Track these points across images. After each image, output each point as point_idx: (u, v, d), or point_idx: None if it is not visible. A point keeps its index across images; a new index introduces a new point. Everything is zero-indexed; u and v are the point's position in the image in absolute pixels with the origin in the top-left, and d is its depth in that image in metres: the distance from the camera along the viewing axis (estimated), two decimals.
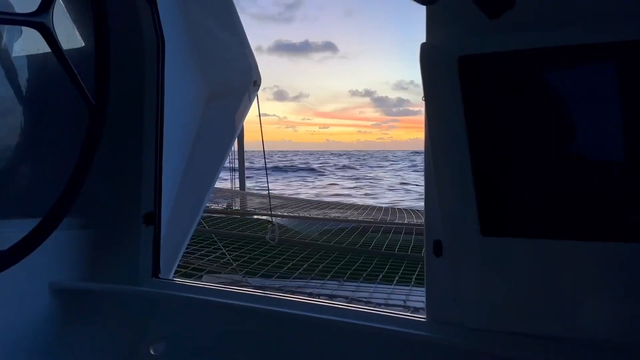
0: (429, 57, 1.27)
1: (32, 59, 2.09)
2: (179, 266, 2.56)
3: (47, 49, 2.03)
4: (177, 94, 2.23)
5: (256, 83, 2.71)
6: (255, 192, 16.32)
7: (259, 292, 1.93)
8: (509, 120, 1.27)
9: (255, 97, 2.78)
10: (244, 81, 2.68)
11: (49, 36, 1.34)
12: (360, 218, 9.09)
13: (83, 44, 2.07)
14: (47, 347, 1.92)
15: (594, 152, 1.22)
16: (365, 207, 12.29)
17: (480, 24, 1.26)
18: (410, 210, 10.98)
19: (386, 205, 14.97)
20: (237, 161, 13.50)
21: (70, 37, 2.06)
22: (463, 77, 1.23)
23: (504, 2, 1.09)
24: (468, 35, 1.28)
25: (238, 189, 13.78)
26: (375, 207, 12.70)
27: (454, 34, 1.31)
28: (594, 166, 1.22)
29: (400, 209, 11.81)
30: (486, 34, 1.25)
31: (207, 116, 2.54)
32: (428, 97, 1.31)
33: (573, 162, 1.23)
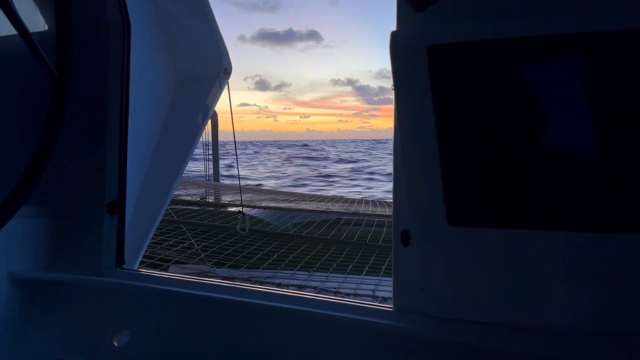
0: (398, 45, 1.26)
1: None
2: (144, 257, 2.52)
3: (7, 33, 1.98)
4: (143, 79, 2.18)
5: (227, 71, 2.68)
6: (228, 183, 16.21)
7: (225, 283, 1.91)
8: (477, 110, 1.27)
9: (226, 85, 2.75)
10: (214, 68, 2.64)
11: (7, 7, 1.28)
12: (333, 210, 9.10)
13: (46, 28, 2.01)
14: (6, 339, 1.87)
15: (561, 143, 1.23)
16: (338, 199, 12.33)
17: (450, 14, 1.26)
18: (384, 202, 11.06)
19: (359, 197, 15.05)
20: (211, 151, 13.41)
21: (33, 20, 1.99)
22: (432, 66, 1.23)
23: None
24: (438, 24, 1.27)
25: (212, 180, 13.68)
26: (349, 199, 12.74)
27: (424, 23, 1.30)
28: (560, 157, 1.23)
29: (373, 201, 11.89)
30: (456, 23, 1.25)
31: (175, 103, 2.50)
32: (397, 85, 1.30)
33: (540, 152, 1.24)
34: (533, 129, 1.24)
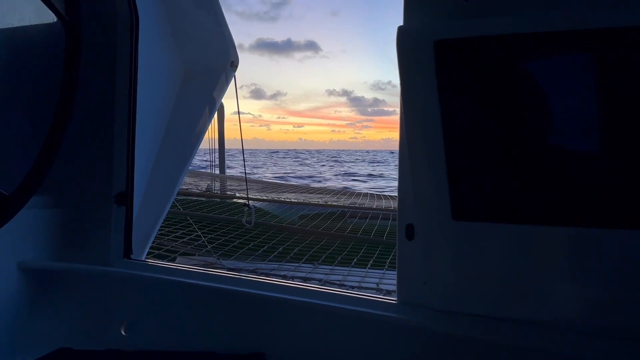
0: (405, 41, 1.26)
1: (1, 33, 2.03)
2: (152, 247, 2.54)
3: (17, 24, 1.99)
4: (151, 72, 2.19)
5: (234, 63, 2.68)
6: (234, 175, 16.23)
7: (231, 274, 1.93)
8: (482, 106, 1.27)
9: (233, 78, 2.76)
10: (221, 61, 2.65)
11: None
12: (339, 203, 9.11)
13: (54, 19, 2.02)
14: (15, 327, 1.90)
15: (566, 139, 1.23)
16: (344, 193, 12.33)
17: (457, 9, 1.27)
18: (389, 196, 11.05)
19: (365, 191, 15.06)
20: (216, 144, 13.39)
21: (42, 12, 2.01)
22: (438, 61, 1.23)
23: None
24: (444, 19, 1.28)
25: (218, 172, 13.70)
26: (354, 192, 12.74)
27: (431, 19, 1.31)
28: (565, 152, 1.23)
29: (379, 195, 11.88)
30: (462, 18, 1.25)
31: (182, 96, 2.51)
32: (403, 81, 1.31)
33: (545, 148, 1.24)
34: (538, 125, 1.24)
